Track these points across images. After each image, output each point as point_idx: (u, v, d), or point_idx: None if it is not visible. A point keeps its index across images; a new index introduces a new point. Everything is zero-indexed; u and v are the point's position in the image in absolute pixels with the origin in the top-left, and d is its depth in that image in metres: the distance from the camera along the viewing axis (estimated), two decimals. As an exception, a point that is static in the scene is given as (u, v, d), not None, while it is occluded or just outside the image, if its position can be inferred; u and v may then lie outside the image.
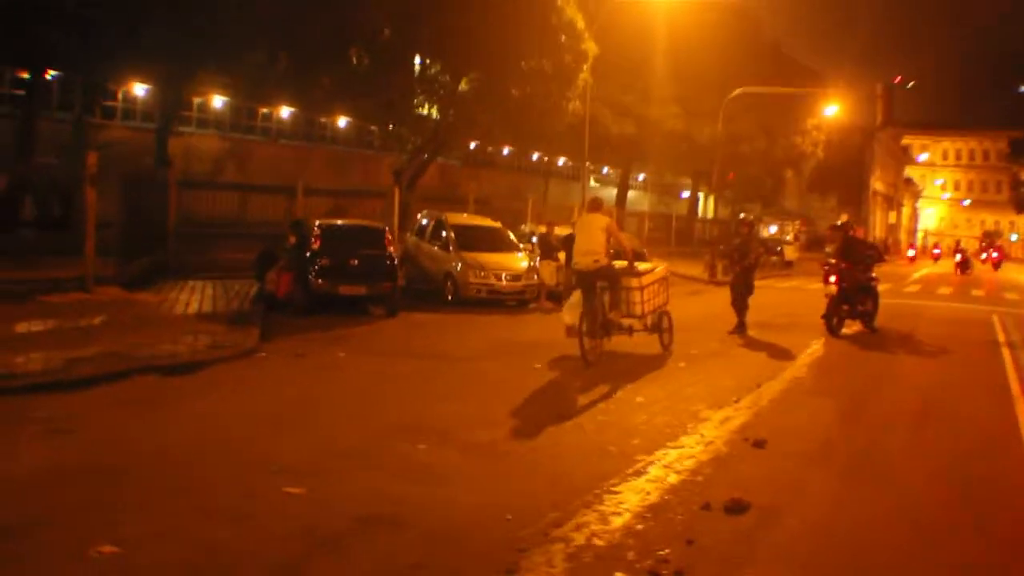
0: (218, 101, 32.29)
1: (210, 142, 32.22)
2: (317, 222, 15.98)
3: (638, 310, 11.71)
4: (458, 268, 17.02)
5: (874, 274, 15.81)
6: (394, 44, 21.55)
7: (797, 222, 66.56)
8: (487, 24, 23.69)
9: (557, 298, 18.52)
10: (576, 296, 11.43)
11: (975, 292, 29.22)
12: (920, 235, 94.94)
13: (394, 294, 15.12)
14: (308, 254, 14.97)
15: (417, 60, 27.36)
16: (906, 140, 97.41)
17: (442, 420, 7.70)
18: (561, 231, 19.31)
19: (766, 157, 43.90)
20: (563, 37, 24.12)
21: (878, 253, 17.19)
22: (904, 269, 49.08)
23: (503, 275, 17.04)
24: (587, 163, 31.92)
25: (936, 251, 68.54)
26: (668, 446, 7.17)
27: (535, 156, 47.97)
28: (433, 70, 28.30)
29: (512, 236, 18.80)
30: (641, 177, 62.27)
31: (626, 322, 11.73)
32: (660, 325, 12.34)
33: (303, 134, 35.79)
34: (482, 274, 16.85)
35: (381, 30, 17.59)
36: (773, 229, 59.98)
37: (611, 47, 34.31)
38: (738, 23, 39.77)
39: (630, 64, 34.74)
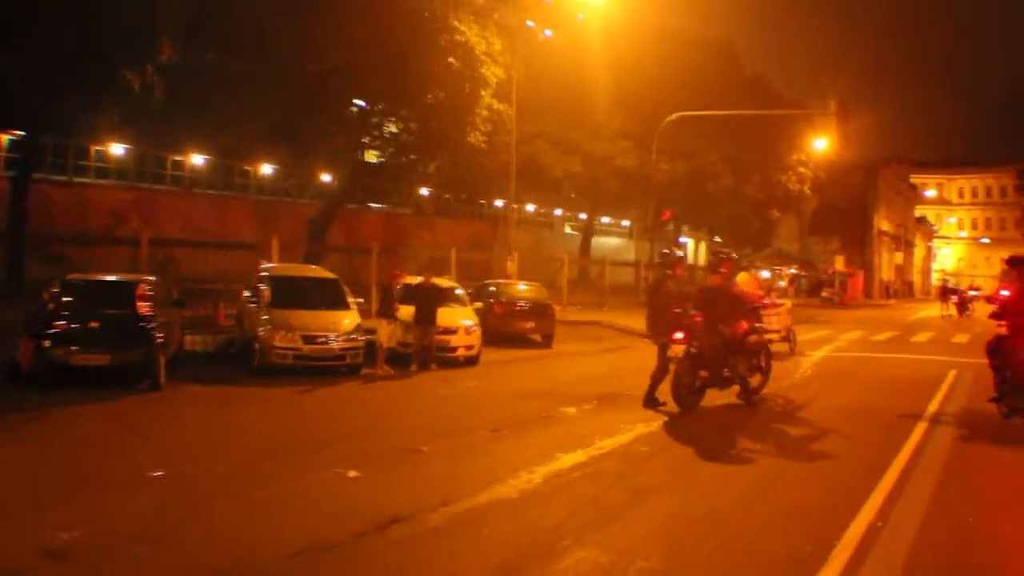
0: (119, 148, 29.64)
1: (109, 193, 29.50)
2: (69, 277, 12.97)
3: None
4: (264, 329, 13.79)
5: (757, 325, 12.10)
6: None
7: (795, 266, 62.58)
8: (376, 52, 20.95)
9: (406, 361, 15.29)
10: None
11: (957, 339, 25.42)
12: (936, 276, 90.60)
13: (149, 363, 11.92)
14: (43, 316, 12.00)
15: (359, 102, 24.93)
16: (918, 179, 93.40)
17: None
18: (411, 280, 16.11)
19: (738, 195, 40.29)
20: (451, 60, 20.98)
21: (750, 305, 12.20)
22: (901, 312, 45.45)
23: (318, 338, 13.79)
24: (514, 204, 28.77)
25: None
26: None
27: (500, 203, 44.89)
28: (354, 109, 25.79)
29: (346, 291, 15.48)
30: (625, 223, 59.03)
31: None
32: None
33: (221, 183, 32.93)
34: (289, 336, 13.60)
35: (162, 46, 14.66)
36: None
37: (553, 81, 31.47)
38: (703, 55, 36.83)
39: (574, 100, 31.78)
